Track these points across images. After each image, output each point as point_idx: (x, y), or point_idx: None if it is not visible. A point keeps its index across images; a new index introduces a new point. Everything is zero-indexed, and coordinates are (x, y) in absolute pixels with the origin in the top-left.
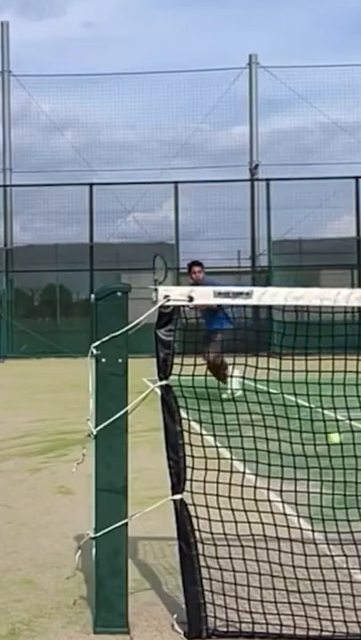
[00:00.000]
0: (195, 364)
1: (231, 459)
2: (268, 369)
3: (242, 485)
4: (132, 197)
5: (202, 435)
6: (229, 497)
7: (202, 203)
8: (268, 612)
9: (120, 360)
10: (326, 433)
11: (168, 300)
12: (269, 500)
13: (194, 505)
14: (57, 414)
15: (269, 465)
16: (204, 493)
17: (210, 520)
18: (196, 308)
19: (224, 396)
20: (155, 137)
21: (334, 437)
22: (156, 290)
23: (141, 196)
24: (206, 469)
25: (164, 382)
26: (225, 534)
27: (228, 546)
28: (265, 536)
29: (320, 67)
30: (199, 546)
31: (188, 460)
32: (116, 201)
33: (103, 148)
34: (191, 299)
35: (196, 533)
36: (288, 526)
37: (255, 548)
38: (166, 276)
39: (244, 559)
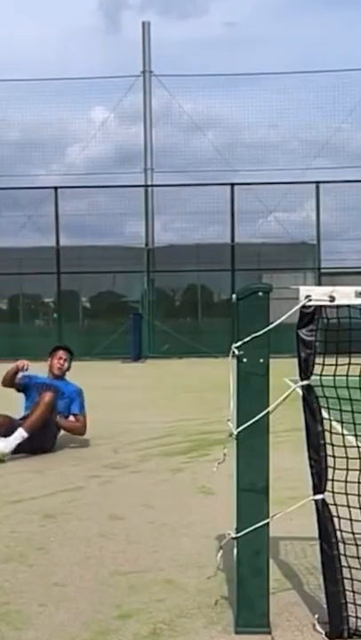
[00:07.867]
0: (336, 364)
1: None
2: None
3: None
4: (274, 197)
5: (343, 435)
6: None
7: (344, 203)
8: None
9: (261, 360)
10: None
11: (310, 300)
12: None
13: (335, 505)
14: (198, 414)
15: None
16: (346, 493)
17: (351, 520)
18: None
19: None
20: (296, 137)
21: None
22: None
23: (283, 195)
24: (348, 469)
25: (305, 382)
26: None
27: None
28: None
29: None
30: (341, 546)
31: (330, 460)
32: (257, 201)
33: (244, 147)
34: (333, 299)
35: (338, 533)
36: None
37: None
38: None
39: None
